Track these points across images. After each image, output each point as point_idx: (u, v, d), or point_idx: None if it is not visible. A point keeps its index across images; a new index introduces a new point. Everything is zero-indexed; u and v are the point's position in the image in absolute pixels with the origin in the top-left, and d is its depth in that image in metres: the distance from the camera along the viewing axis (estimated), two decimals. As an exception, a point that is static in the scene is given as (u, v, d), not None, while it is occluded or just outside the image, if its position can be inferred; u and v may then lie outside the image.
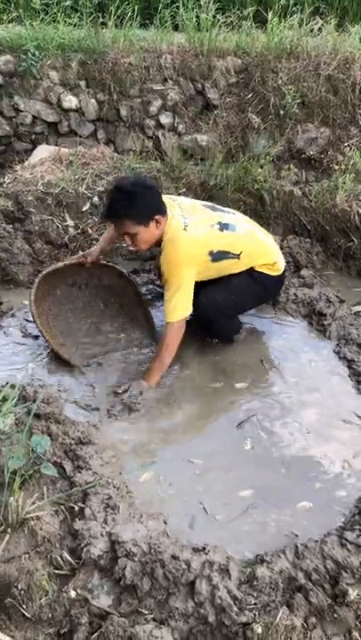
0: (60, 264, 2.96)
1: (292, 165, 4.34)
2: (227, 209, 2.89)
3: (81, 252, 3.05)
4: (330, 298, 3.23)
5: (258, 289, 2.84)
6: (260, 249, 2.80)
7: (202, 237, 2.60)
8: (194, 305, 2.59)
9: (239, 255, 2.70)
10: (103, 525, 1.83)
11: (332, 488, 2.16)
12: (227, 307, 2.75)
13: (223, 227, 2.67)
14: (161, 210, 2.54)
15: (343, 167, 3.98)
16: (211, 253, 2.63)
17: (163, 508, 2.03)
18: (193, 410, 2.53)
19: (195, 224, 2.60)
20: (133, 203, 2.44)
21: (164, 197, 2.65)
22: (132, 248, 2.66)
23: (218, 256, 2.65)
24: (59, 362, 2.74)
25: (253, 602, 1.63)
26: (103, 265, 3.08)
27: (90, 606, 1.66)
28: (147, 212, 2.49)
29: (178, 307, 2.54)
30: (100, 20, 4.72)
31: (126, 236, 2.56)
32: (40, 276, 2.82)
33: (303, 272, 3.52)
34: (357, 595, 1.65)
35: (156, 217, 2.51)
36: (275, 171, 4.20)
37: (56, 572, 1.74)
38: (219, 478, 2.18)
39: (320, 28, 4.67)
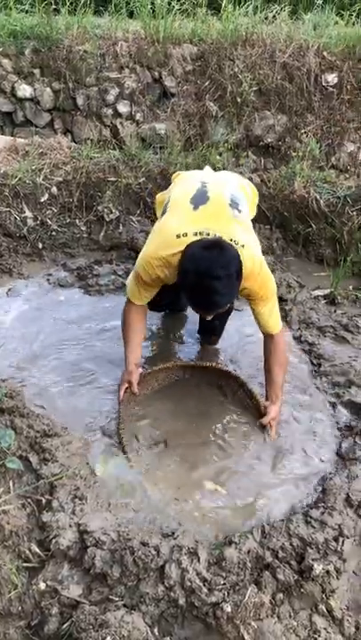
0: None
1: (250, 153, 4.38)
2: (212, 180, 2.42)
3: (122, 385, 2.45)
4: (290, 283, 3.28)
5: None
6: (251, 200, 2.56)
7: (253, 237, 2.33)
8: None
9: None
10: (71, 516, 1.83)
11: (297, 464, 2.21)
12: None
13: (234, 205, 2.27)
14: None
15: (300, 154, 4.04)
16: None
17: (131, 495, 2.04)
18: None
19: (244, 234, 2.21)
20: (233, 286, 2.01)
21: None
22: (209, 319, 2.32)
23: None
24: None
25: (222, 582, 1.66)
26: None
27: (60, 597, 1.66)
28: (239, 283, 2.06)
29: (278, 313, 2.35)
30: (53, 6, 4.63)
31: (210, 314, 2.21)
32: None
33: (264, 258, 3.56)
34: (322, 569, 1.70)
35: None
36: (233, 158, 4.23)
37: (25, 565, 1.74)
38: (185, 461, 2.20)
39: (275, 16, 4.69)
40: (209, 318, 2.28)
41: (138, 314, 2.42)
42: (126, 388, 2.40)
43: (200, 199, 2.21)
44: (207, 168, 2.73)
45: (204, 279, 1.93)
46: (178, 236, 2.09)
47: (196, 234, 2.08)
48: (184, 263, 2.01)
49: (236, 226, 2.19)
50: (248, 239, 2.20)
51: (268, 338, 2.38)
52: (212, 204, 2.20)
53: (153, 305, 2.56)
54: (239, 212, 2.25)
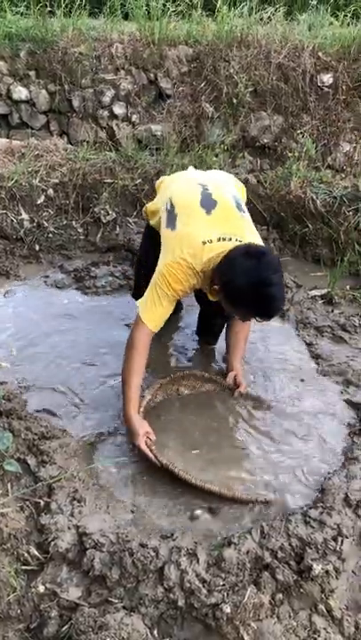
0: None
1: (246, 153, 4.39)
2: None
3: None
4: (287, 283, 3.28)
5: None
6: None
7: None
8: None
9: None
10: (70, 518, 1.83)
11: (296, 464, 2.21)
12: None
13: (240, 207, 2.29)
14: None
15: (296, 154, 4.05)
16: None
17: (130, 497, 2.04)
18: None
19: (253, 235, 2.24)
20: (284, 289, 2.15)
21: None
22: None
23: None
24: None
25: (222, 583, 1.66)
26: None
27: (59, 599, 1.66)
28: None
29: None
30: (48, 8, 4.63)
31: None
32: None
33: (261, 259, 3.56)
34: (322, 569, 1.70)
35: None
36: (230, 159, 4.23)
37: (23, 567, 1.73)
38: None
39: (269, 17, 4.70)
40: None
41: (147, 345, 2.23)
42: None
43: (208, 203, 2.19)
44: (191, 169, 2.69)
45: (264, 289, 1.92)
46: (204, 243, 2.07)
47: (219, 239, 2.08)
48: (236, 277, 1.96)
49: (245, 226, 2.21)
50: (255, 238, 2.21)
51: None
52: (220, 207, 2.19)
53: None
54: (243, 212, 2.26)
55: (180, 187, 2.36)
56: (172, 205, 2.25)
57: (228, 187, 2.35)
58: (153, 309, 2.17)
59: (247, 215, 2.29)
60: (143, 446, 2.11)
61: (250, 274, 1.92)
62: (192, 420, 2.41)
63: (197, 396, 2.54)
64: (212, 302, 2.28)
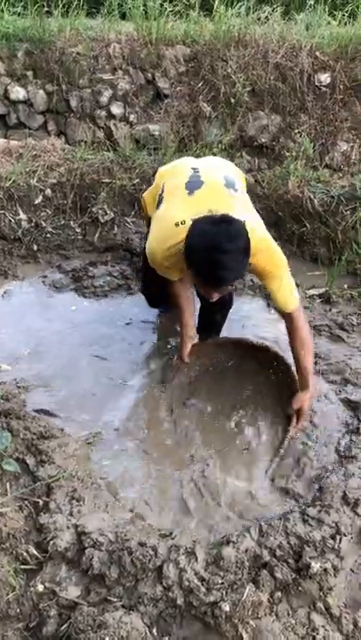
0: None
1: (244, 153, 4.38)
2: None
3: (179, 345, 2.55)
4: (286, 283, 3.28)
5: None
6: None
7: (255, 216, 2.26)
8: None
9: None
10: (69, 518, 1.83)
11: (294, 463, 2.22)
12: None
13: (230, 185, 2.24)
14: None
15: (294, 154, 4.05)
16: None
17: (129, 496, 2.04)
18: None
19: (244, 211, 2.18)
20: (241, 261, 1.96)
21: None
22: (216, 299, 2.15)
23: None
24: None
25: (220, 581, 1.66)
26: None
27: (58, 598, 1.66)
28: (248, 259, 2.00)
29: (293, 289, 2.21)
30: (45, 8, 4.63)
31: (216, 293, 2.09)
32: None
33: (259, 258, 3.57)
34: (320, 567, 1.70)
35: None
36: (227, 158, 4.22)
37: (23, 567, 1.74)
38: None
39: (267, 17, 4.70)
40: (214, 299, 2.13)
41: (180, 287, 2.38)
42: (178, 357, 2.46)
43: (194, 185, 2.19)
44: (189, 157, 2.67)
45: (213, 254, 1.88)
46: (177, 224, 2.06)
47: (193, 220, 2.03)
48: (191, 239, 1.95)
49: (235, 203, 2.15)
50: (249, 216, 2.16)
51: (286, 318, 2.26)
52: (207, 186, 2.17)
53: (149, 300, 2.56)
54: (235, 190, 2.22)
55: (173, 172, 2.37)
56: (162, 190, 2.28)
57: (221, 170, 2.32)
58: (167, 275, 2.28)
59: (240, 194, 2.24)
60: (185, 349, 2.43)
61: (204, 237, 1.91)
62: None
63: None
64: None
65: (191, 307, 2.50)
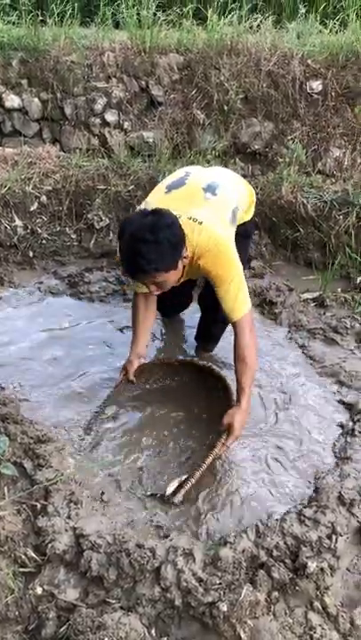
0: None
1: (237, 159, 4.42)
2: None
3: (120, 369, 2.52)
4: (280, 287, 3.32)
5: (248, 242, 2.74)
6: (244, 194, 2.49)
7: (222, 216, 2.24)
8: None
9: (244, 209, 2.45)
10: (67, 520, 1.84)
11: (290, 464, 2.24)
12: None
13: (210, 190, 2.25)
14: (184, 240, 2.05)
15: (287, 160, 4.09)
16: (233, 212, 2.29)
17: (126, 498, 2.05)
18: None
19: (210, 213, 2.17)
20: (162, 253, 1.95)
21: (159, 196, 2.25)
22: (157, 293, 2.19)
23: (234, 220, 2.31)
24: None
25: (218, 582, 1.67)
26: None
27: (57, 601, 1.67)
28: (176, 255, 2.01)
29: (242, 298, 2.15)
30: (40, 18, 4.67)
31: (152, 285, 2.10)
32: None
33: (253, 263, 3.60)
34: (317, 567, 1.72)
35: (183, 252, 2.06)
36: (221, 165, 4.26)
37: (21, 569, 1.74)
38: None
39: (259, 25, 4.76)
40: (155, 293, 2.17)
41: (141, 302, 2.45)
42: (124, 375, 2.46)
43: (176, 185, 2.26)
44: (197, 166, 2.71)
45: (132, 242, 1.95)
46: None
47: None
48: (120, 228, 2.06)
49: (205, 207, 2.17)
50: (212, 218, 2.14)
51: (233, 327, 2.20)
52: (186, 188, 2.24)
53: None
54: (214, 194, 2.22)
55: (170, 175, 2.45)
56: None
57: (215, 178, 2.34)
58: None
59: (217, 197, 2.23)
60: (118, 378, 2.47)
61: (130, 226, 1.99)
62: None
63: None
64: (213, 306, 2.26)
65: (148, 324, 2.51)
